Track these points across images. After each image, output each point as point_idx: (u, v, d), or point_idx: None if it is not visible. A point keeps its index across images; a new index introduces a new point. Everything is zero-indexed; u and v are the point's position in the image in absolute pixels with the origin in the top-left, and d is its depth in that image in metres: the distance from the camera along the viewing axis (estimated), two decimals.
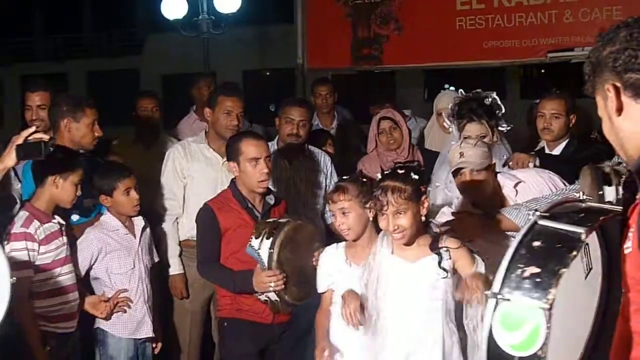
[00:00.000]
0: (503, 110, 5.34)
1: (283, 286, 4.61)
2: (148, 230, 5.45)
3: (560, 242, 2.36)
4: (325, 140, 6.93)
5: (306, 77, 10.16)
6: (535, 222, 2.43)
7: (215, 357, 6.08)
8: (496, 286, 2.32)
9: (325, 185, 6.22)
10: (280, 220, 4.72)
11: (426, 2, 9.48)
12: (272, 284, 4.58)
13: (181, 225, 5.95)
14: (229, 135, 5.68)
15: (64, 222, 4.96)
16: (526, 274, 2.29)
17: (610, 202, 2.73)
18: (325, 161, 6.28)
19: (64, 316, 4.83)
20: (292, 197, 6.01)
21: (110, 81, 28.33)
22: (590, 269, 2.48)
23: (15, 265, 4.50)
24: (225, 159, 5.77)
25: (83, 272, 5.10)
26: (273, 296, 4.69)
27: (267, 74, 28.59)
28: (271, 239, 4.54)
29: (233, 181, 5.10)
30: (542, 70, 22.28)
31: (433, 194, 5.25)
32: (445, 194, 5.33)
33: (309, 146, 6.32)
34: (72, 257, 5.00)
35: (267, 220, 4.76)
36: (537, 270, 2.28)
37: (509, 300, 2.28)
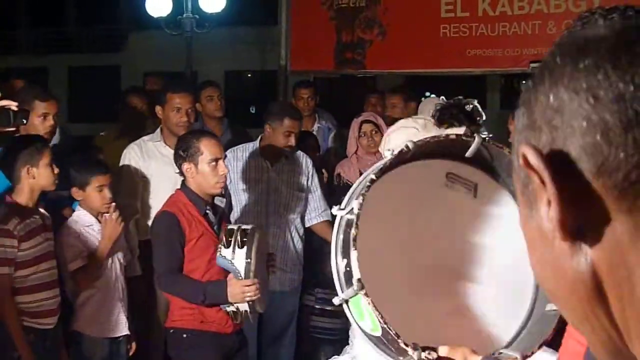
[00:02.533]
0: (484, 117, 5.36)
1: (259, 295, 4.52)
2: (124, 230, 5.33)
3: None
4: (310, 143, 6.92)
5: (289, 79, 10.16)
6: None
7: None
8: (339, 293, 2.37)
9: (307, 188, 6.22)
10: (244, 228, 4.52)
11: (410, 9, 9.48)
12: (250, 294, 4.47)
13: (140, 226, 5.89)
14: (181, 132, 5.61)
15: (48, 215, 4.92)
16: (342, 269, 2.33)
17: None
18: (307, 163, 6.26)
19: (45, 312, 4.78)
20: (273, 199, 6.03)
21: (92, 77, 28.23)
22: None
23: None
24: None
25: (73, 268, 5.01)
26: (243, 306, 4.55)
27: (249, 75, 28.56)
28: (245, 247, 4.39)
29: (184, 183, 4.85)
30: (523, 82, 22.33)
31: None
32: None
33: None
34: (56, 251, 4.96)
35: (232, 227, 4.57)
36: (345, 261, 2.30)
37: (346, 299, 2.33)
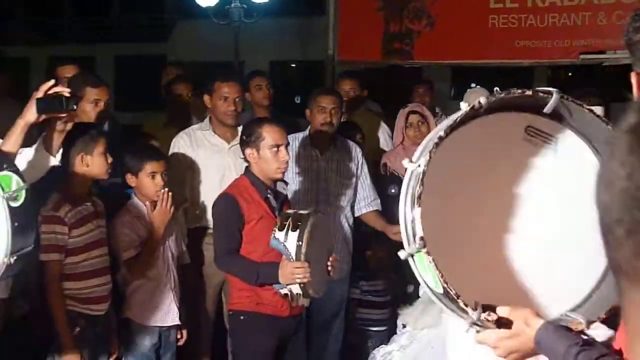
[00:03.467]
0: None
1: (309, 278, 4.57)
2: (176, 218, 5.38)
3: None
4: (355, 133, 6.92)
5: (336, 68, 10.15)
6: None
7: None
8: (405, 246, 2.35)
9: (356, 177, 6.23)
10: (301, 212, 4.64)
11: None
12: (300, 276, 4.54)
13: (189, 214, 5.92)
14: (229, 121, 5.82)
15: (101, 203, 4.95)
16: (409, 221, 2.33)
17: None
18: (356, 152, 6.26)
19: (95, 299, 4.80)
20: (322, 187, 6.04)
21: (138, 66, 28.39)
22: None
23: (44, 248, 4.56)
24: (231, 144, 5.81)
25: (126, 257, 5.06)
26: (296, 289, 4.63)
27: (293, 65, 28.57)
28: (297, 231, 4.47)
29: (248, 169, 4.97)
30: (570, 74, 22.19)
31: None
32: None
33: (341, 137, 6.31)
34: (109, 238, 5.00)
35: (288, 212, 4.68)
36: (412, 216, 2.31)
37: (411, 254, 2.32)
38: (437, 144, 2.29)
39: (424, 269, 2.29)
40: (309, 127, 6.22)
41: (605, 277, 2.39)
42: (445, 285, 2.20)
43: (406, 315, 4.76)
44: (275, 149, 4.83)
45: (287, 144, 4.94)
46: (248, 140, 4.90)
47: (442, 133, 2.31)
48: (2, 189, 2.59)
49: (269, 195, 4.89)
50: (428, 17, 9.53)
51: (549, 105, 2.40)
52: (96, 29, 30.72)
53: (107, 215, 5.03)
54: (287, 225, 4.50)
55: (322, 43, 10.88)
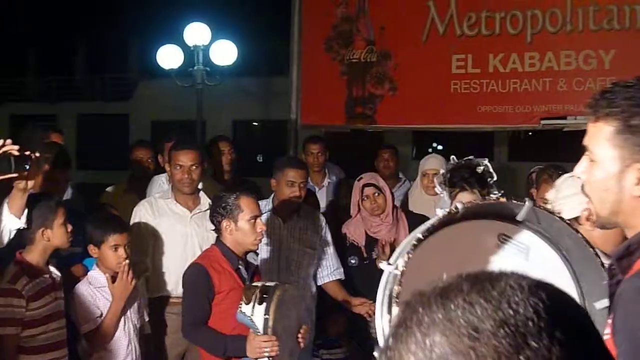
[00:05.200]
0: (495, 178, 5.34)
1: (277, 352, 4.51)
2: (137, 288, 5.30)
3: None
4: (310, 201, 6.87)
5: (299, 132, 10.15)
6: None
7: None
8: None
9: (320, 245, 6.20)
10: (267, 285, 4.58)
11: (421, 64, 9.49)
12: (268, 350, 4.48)
13: (151, 283, 5.86)
14: (185, 189, 5.86)
15: (59, 274, 4.88)
16: (385, 323, 2.41)
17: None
18: (319, 220, 6.28)
19: None
20: (284, 256, 6.01)
21: (100, 125, 28.35)
22: None
23: (1, 321, 4.47)
24: (193, 213, 5.79)
25: (85, 330, 4.98)
26: None
27: (255, 124, 28.67)
28: (264, 304, 4.41)
29: (219, 239, 4.94)
30: (530, 133, 22.41)
31: None
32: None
33: (304, 205, 6.28)
34: (68, 310, 4.93)
35: (254, 285, 4.61)
36: (387, 316, 2.40)
37: None
38: (415, 246, 2.37)
39: None
40: (273, 196, 6.19)
41: None
42: None
43: None
44: (253, 220, 4.84)
45: (261, 214, 4.94)
46: (223, 212, 4.87)
47: (420, 235, 2.39)
48: None
49: (240, 266, 4.88)
50: (390, 82, 9.57)
51: (521, 214, 2.53)
52: (59, 87, 30.71)
53: (66, 285, 4.95)
54: (253, 299, 4.44)
55: (283, 102, 10.88)
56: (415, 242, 2.38)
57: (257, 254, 5.07)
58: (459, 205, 2.42)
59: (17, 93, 30.65)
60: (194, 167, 5.87)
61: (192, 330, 4.83)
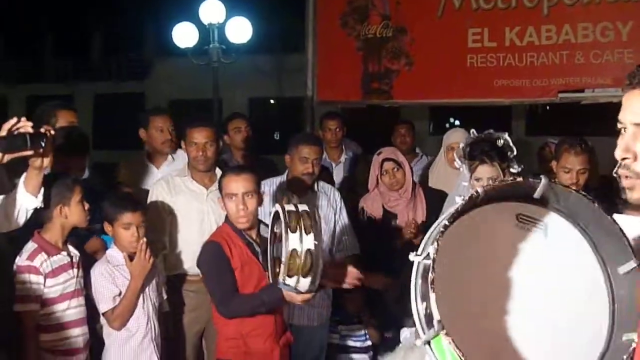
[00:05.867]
0: (515, 152, 5.30)
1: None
2: (156, 266, 5.28)
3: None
4: (324, 177, 6.84)
5: (315, 108, 10.13)
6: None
7: None
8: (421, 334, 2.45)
9: (335, 221, 6.18)
10: (304, 261, 4.20)
11: (437, 39, 9.45)
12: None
13: (168, 261, 5.85)
14: (200, 167, 5.91)
15: (77, 253, 4.90)
16: (424, 311, 2.42)
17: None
18: (334, 196, 6.24)
19: (72, 350, 4.74)
20: None
21: (117, 104, 28.37)
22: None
23: (19, 298, 4.49)
24: (209, 190, 5.81)
25: (104, 309, 4.99)
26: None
27: (272, 102, 28.63)
28: (309, 277, 4.19)
29: (227, 216, 4.95)
30: (548, 107, 22.30)
31: None
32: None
33: (319, 181, 6.27)
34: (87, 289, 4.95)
35: (291, 254, 4.21)
36: (424, 304, 2.41)
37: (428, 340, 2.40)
38: (442, 232, 2.42)
39: (441, 352, 2.36)
40: (287, 172, 6.17)
41: (610, 345, 2.54)
42: None
43: None
44: (232, 198, 4.82)
45: (247, 193, 4.83)
46: (219, 191, 4.97)
47: (446, 222, 2.45)
48: None
49: (251, 242, 4.86)
50: (406, 57, 9.54)
51: (538, 190, 2.57)
52: (75, 67, 30.74)
53: (85, 264, 4.97)
54: (297, 273, 4.20)
55: (299, 79, 10.86)
56: (442, 229, 2.42)
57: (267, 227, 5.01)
58: (480, 190, 2.46)
59: (33, 74, 30.70)
60: (209, 145, 5.86)
61: (226, 305, 4.74)
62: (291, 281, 4.21)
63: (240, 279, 4.74)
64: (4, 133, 4.03)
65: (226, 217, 4.96)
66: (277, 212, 4.29)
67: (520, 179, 2.62)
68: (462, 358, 2.27)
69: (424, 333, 2.39)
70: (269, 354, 4.82)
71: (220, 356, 4.90)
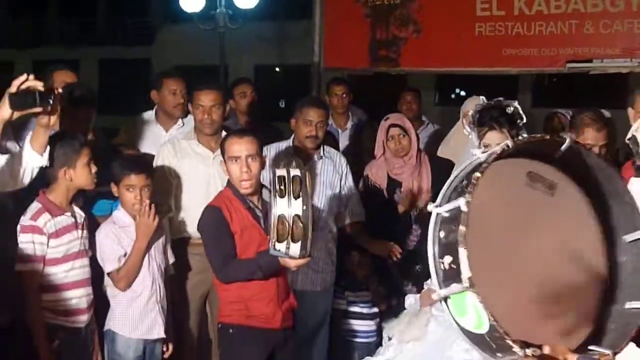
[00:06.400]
0: (524, 120, 5.28)
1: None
2: (162, 228, 5.28)
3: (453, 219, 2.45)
4: (329, 142, 6.82)
5: (322, 75, 10.10)
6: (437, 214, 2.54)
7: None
8: (437, 289, 2.48)
9: (340, 187, 6.17)
10: (295, 223, 4.20)
11: (446, 6, 9.41)
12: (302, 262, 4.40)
13: (173, 224, 5.83)
14: (205, 130, 5.86)
15: (82, 214, 4.89)
16: (445, 266, 2.42)
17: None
18: (340, 162, 6.22)
19: (75, 311, 4.75)
20: None
21: (122, 69, 28.32)
22: None
23: (21, 258, 4.49)
24: (215, 154, 5.76)
25: (109, 269, 5.00)
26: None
27: (276, 69, 28.56)
28: (299, 242, 4.18)
29: (229, 181, 4.92)
30: (554, 79, 22.23)
31: None
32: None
33: (325, 146, 6.25)
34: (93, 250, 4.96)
35: (279, 219, 4.23)
36: (450, 258, 2.40)
37: (448, 297, 2.44)
38: (474, 185, 2.41)
39: (461, 310, 2.38)
40: (293, 136, 6.15)
41: (610, 312, 2.60)
42: (495, 323, 2.31)
43: (392, 328, 4.71)
44: (235, 161, 4.78)
45: (250, 156, 4.80)
46: (222, 154, 4.94)
47: (478, 174, 2.44)
48: None
49: (252, 206, 4.82)
50: (415, 24, 9.48)
51: (561, 150, 2.58)
52: (81, 32, 30.67)
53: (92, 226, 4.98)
54: (286, 238, 4.21)
55: (305, 47, 10.81)
56: (474, 181, 2.41)
57: (269, 190, 4.97)
58: (510, 143, 2.48)
59: (38, 39, 30.65)
60: (215, 108, 5.83)
61: (223, 270, 4.73)
62: (281, 246, 4.20)
63: (240, 244, 4.71)
64: (13, 90, 4.05)
65: (228, 181, 4.93)
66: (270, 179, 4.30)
67: (548, 136, 2.61)
68: (491, 318, 2.28)
69: (441, 288, 2.37)
70: (271, 318, 4.80)
71: (222, 320, 4.89)
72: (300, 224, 4.14)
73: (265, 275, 4.64)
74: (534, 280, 2.54)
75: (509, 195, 2.58)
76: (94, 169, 4.78)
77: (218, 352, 5.24)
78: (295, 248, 4.19)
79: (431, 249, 2.47)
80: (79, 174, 4.72)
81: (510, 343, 2.32)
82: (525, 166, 2.60)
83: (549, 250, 2.56)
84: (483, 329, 2.35)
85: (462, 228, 2.32)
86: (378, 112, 7.13)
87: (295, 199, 4.14)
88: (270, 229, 4.16)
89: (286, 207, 4.13)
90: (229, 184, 4.90)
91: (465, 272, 2.29)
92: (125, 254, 5.00)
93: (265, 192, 4.93)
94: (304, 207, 4.14)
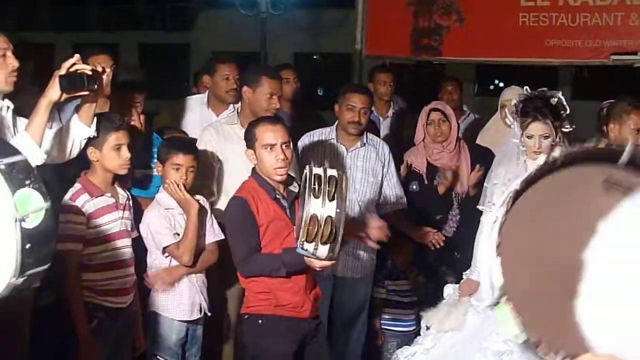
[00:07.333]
0: (568, 111, 5.25)
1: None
2: (205, 210, 5.27)
3: None
4: (371, 131, 6.79)
5: (363, 63, 10.08)
6: None
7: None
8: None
9: (383, 175, 6.16)
10: (326, 225, 4.12)
11: None
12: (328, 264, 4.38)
13: (215, 208, 5.75)
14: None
15: (125, 195, 4.89)
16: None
17: None
18: (383, 149, 6.20)
19: (116, 291, 4.75)
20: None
21: (162, 54, 28.44)
22: None
23: (61, 237, 4.50)
24: None
25: (166, 243, 5.03)
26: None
27: (315, 57, 28.55)
28: (328, 245, 4.13)
29: (254, 170, 4.78)
30: (595, 72, 22.06)
31: (490, 191, 5.17)
32: (503, 193, 5.24)
33: (369, 134, 6.24)
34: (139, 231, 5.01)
35: (311, 219, 4.16)
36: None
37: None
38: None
39: (504, 319, 2.33)
40: (337, 122, 6.15)
41: None
42: (527, 334, 2.21)
43: (430, 317, 4.72)
44: (269, 148, 4.66)
45: (285, 143, 4.70)
46: (247, 142, 4.79)
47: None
48: (17, 209, 2.44)
49: (277, 196, 4.71)
50: (457, 13, 9.43)
51: (624, 156, 2.41)
52: (121, 16, 30.80)
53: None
54: (316, 238, 4.13)
55: (343, 35, 10.80)
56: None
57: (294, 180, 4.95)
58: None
59: (78, 22, 30.81)
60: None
61: (248, 264, 4.61)
62: (309, 247, 4.15)
63: (265, 237, 4.61)
64: (63, 71, 4.13)
65: (253, 170, 4.80)
66: (305, 174, 4.24)
67: (602, 145, 2.51)
68: (524, 328, 2.18)
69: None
70: (300, 307, 4.69)
71: (249, 311, 4.74)
72: (332, 227, 4.07)
73: (289, 272, 4.54)
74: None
75: (577, 203, 2.51)
76: (125, 154, 4.72)
77: (232, 342, 5.35)
78: (324, 250, 4.14)
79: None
80: (106, 156, 4.68)
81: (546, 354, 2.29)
82: (600, 173, 2.51)
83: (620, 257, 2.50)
84: (521, 338, 2.29)
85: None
86: (417, 102, 7.12)
87: (330, 201, 4.08)
88: (301, 227, 4.11)
89: (319, 208, 4.07)
90: (254, 173, 4.77)
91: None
92: (175, 234, 5.02)
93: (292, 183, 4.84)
94: (338, 210, 4.08)
